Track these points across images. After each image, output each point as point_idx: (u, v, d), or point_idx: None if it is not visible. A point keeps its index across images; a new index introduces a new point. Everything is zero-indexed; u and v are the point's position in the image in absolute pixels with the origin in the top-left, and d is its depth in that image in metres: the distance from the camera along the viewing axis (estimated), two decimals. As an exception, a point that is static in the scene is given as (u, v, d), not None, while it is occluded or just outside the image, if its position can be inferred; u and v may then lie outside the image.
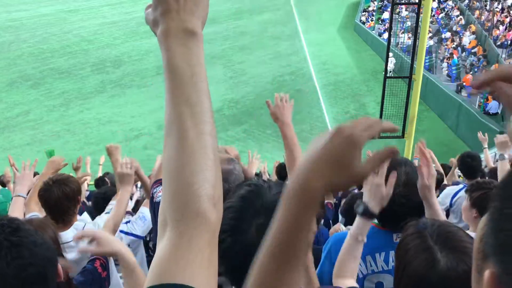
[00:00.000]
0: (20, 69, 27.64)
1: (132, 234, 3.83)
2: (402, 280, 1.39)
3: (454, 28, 25.88)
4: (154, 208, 2.63)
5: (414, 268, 1.34)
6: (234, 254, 1.19)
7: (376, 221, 2.04)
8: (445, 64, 21.50)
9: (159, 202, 2.36)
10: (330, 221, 5.40)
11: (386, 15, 30.94)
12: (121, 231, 3.68)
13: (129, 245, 3.93)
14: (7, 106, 22.47)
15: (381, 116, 11.76)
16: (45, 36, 34.15)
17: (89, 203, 5.75)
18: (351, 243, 1.83)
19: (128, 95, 23.41)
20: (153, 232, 3.81)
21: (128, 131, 19.35)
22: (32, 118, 21.03)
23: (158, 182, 2.69)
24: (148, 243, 4.27)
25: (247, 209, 1.22)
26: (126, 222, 3.49)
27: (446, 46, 23.79)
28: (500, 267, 0.51)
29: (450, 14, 28.78)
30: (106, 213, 3.22)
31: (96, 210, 3.95)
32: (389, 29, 12.41)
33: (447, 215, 4.61)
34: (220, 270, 1.24)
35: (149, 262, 4.49)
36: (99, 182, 7.08)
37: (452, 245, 1.32)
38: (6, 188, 7.43)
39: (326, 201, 5.39)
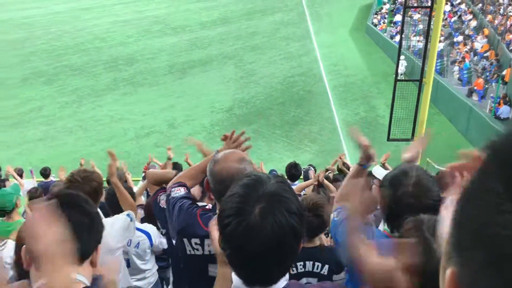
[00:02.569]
0: (34, 66, 27.96)
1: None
2: None
3: (466, 32, 25.74)
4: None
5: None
6: (238, 235, 1.25)
7: (387, 227, 2.11)
8: (456, 68, 21.40)
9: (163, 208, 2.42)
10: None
11: (398, 17, 30.83)
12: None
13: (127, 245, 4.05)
14: (21, 102, 22.77)
15: (390, 119, 11.78)
16: (59, 34, 34.49)
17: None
18: (356, 168, 2.28)
19: (140, 93, 23.60)
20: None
21: (139, 128, 19.52)
22: (45, 114, 21.30)
23: (162, 191, 2.77)
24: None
25: (249, 195, 1.29)
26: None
27: (458, 50, 23.67)
28: (459, 265, 0.52)
29: (462, 17, 28.62)
30: (126, 215, 3.34)
31: (109, 206, 4.06)
32: (401, 32, 12.44)
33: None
34: (226, 254, 1.34)
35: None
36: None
37: None
38: (16, 182, 7.63)
39: (332, 195, 5.48)
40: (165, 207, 2.39)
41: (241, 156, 2.10)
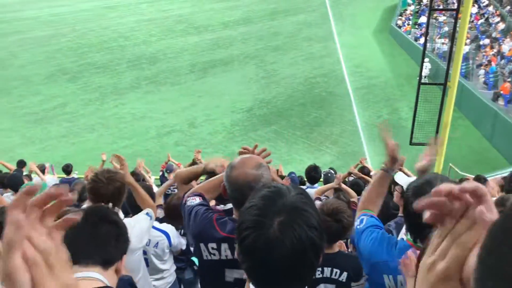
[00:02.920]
0: (59, 63, 28.48)
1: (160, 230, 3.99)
2: None
3: (493, 35, 25.23)
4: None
5: None
6: (257, 249, 1.22)
7: (409, 236, 2.06)
8: (482, 71, 20.99)
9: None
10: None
11: (423, 19, 30.39)
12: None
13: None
14: (45, 98, 23.20)
15: (413, 123, 11.60)
16: (84, 31, 35.06)
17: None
18: (380, 175, 2.26)
19: (162, 92, 23.80)
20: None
21: (161, 127, 19.68)
22: (68, 111, 21.65)
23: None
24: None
25: (269, 207, 1.25)
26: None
27: (484, 53, 23.21)
28: None
29: (490, 20, 28.06)
30: (146, 214, 3.35)
31: (129, 204, 4.08)
32: (425, 34, 12.21)
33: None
34: (244, 266, 1.31)
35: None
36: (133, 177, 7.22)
37: None
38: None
39: (351, 200, 5.41)
40: (197, 207, 2.40)
41: (258, 162, 2.06)
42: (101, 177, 2.96)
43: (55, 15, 39.43)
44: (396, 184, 3.38)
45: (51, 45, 31.89)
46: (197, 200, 2.32)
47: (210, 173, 2.83)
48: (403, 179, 3.12)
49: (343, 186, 5.87)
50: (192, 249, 2.24)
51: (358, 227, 2.22)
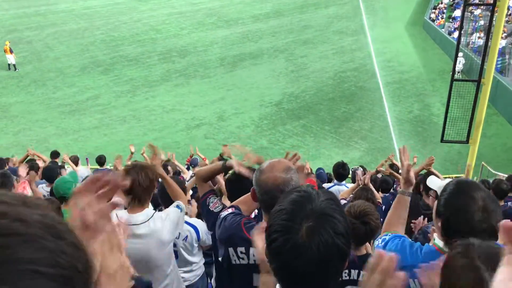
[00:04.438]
0: (92, 55, 29.02)
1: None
2: None
3: (532, 29, 24.38)
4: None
5: (459, 287, 1.36)
6: (284, 253, 1.26)
7: (441, 244, 2.05)
8: (519, 67, 20.34)
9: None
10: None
11: (457, 12, 29.62)
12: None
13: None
14: (79, 90, 23.72)
15: (445, 119, 11.37)
16: (117, 24, 35.58)
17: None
18: (398, 199, 2.40)
19: (192, 85, 24.01)
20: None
21: (190, 120, 19.88)
22: (101, 103, 22.09)
23: (212, 193, 2.89)
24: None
25: (298, 212, 1.29)
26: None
27: (521, 48, 22.46)
28: None
29: (528, 13, 27.10)
30: (176, 206, 3.42)
31: (161, 197, 4.16)
32: (460, 28, 11.92)
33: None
34: (271, 266, 1.35)
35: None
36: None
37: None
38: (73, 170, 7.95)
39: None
40: (213, 210, 2.43)
41: (287, 165, 2.08)
42: (134, 169, 3.05)
43: (88, 8, 40.13)
44: (430, 188, 3.34)
45: (85, 38, 32.51)
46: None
47: (229, 170, 2.88)
48: (435, 183, 3.10)
49: (370, 185, 5.82)
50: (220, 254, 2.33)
51: (379, 245, 2.26)
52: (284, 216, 1.30)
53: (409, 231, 3.51)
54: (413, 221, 3.97)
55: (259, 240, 1.66)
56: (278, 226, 1.29)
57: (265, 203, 1.99)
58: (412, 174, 2.40)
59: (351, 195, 5.66)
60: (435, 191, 3.33)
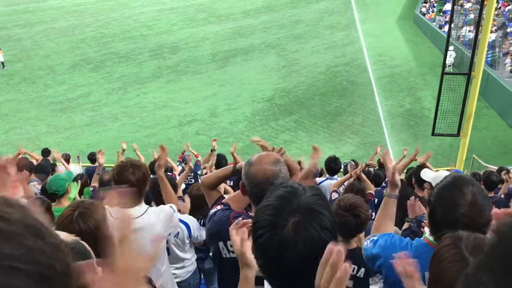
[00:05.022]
0: (83, 52, 28.86)
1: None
2: None
3: (521, 22, 24.53)
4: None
5: (448, 278, 1.37)
6: (271, 248, 1.26)
7: (431, 238, 2.05)
8: (509, 60, 20.47)
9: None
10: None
11: (448, 6, 29.73)
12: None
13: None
14: (70, 87, 23.58)
15: (436, 112, 11.43)
16: (107, 21, 35.38)
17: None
18: (385, 201, 2.34)
19: (183, 81, 23.93)
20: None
21: (182, 116, 19.82)
22: (92, 100, 21.97)
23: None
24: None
25: (284, 207, 1.28)
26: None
27: (511, 41, 22.61)
28: None
29: (518, 6, 27.25)
30: (170, 206, 3.43)
31: (152, 194, 4.16)
32: (450, 22, 11.95)
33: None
34: (258, 262, 1.35)
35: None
36: (152, 167, 7.33)
37: None
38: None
39: (368, 192, 5.40)
40: (215, 210, 2.43)
41: (276, 158, 2.08)
42: (127, 164, 3.06)
43: (78, 5, 39.87)
44: (423, 181, 3.36)
45: (75, 35, 32.30)
46: (219, 207, 2.37)
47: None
48: (429, 175, 3.12)
49: (363, 176, 5.84)
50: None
51: (368, 245, 2.27)
52: (271, 212, 1.29)
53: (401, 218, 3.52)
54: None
55: (236, 234, 1.66)
56: (264, 222, 1.29)
57: (255, 195, 1.99)
58: (397, 177, 2.38)
59: (343, 186, 5.68)
60: (430, 183, 3.34)
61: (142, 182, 3.09)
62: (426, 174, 3.15)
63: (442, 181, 2.03)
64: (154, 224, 3.10)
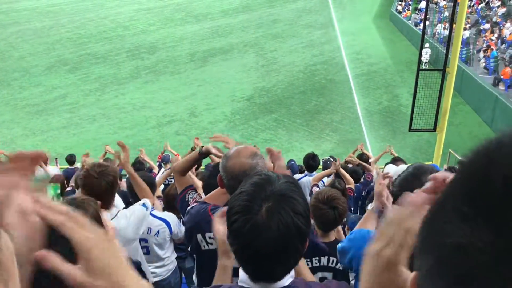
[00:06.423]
0: (59, 54, 28.39)
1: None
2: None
3: (494, 19, 25.07)
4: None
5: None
6: (245, 233, 1.28)
7: None
8: (482, 56, 20.90)
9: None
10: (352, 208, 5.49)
11: (423, 4, 30.18)
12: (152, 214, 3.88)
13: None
14: (46, 89, 23.18)
15: (413, 108, 11.61)
16: (83, 22, 34.88)
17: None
18: (367, 214, 2.38)
19: (162, 81, 23.77)
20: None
21: (161, 117, 19.69)
22: (69, 102, 21.64)
23: (191, 188, 2.86)
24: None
25: (258, 193, 1.31)
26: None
27: (484, 38, 23.09)
28: (417, 268, 0.52)
29: (490, 4, 27.86)
30: (142, 204, 3.40)
31: (131, 194, 4.13)
32: (424, 19, 12.16)
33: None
34: (232, 249, 1.37)
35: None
36: (137, 165, 7.30)
37: None
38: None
39: (348, 186, 5.46)
40: (193, 205, 2.43)
41: (253, 151, 2.11)
42: (93, 172, 2.97)
43: (53, 6, 39.19)
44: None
45: (50, 36, 31.76)
46: (197, 203, 2.38)
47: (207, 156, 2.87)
48: (392, 170, 3.18)
49: (342, 171, 5.91)
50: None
51: (343, 242, 2.32)
52: (245, 198, 1.32)
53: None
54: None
55: (219, 223, 1.68)
56: (238, 207, 1.31)
57: (232, 188, 2.00)
58: (384, 200, 2.40)
59: (323, 181, 5.74)
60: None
61: (109, 190, 3.02)
62: (389, 169, 3.22)
63: (403, 172, 2.08)
64: (124, 228, 3.08)
